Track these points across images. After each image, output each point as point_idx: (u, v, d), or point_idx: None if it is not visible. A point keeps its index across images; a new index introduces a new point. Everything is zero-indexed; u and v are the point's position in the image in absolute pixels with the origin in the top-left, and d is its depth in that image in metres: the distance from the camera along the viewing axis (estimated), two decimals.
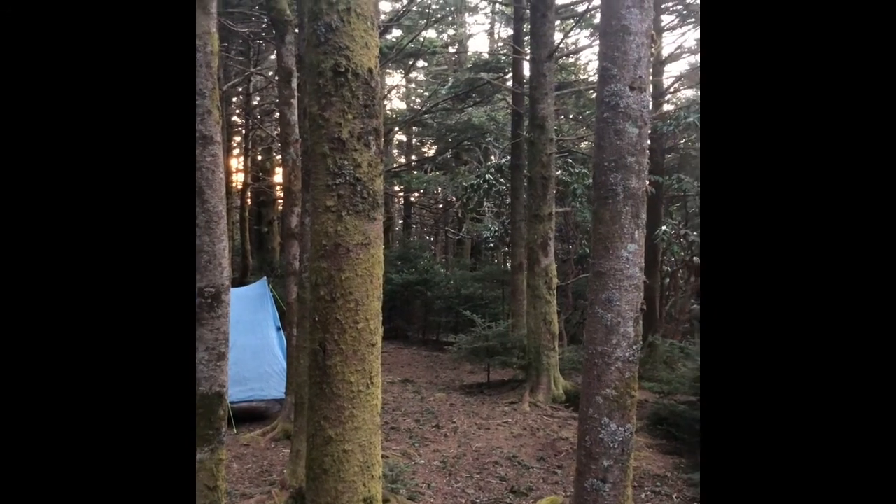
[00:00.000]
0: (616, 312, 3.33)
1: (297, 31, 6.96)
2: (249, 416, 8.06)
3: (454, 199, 21.94)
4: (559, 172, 12.68)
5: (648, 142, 3.48)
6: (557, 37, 10.60)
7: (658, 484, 6.65)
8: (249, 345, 8.24)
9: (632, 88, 3.32)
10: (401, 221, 26.42)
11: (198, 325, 3.69)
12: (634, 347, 3.37)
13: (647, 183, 3.47)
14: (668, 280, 14.91)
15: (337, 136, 3.05)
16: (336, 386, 3.13)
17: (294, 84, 6.94)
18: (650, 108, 3.58)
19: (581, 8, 13.32)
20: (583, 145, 17.52)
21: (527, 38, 12.30)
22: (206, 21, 3.68)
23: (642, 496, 6.27)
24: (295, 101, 6.94)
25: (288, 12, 7.07)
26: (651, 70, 3.51)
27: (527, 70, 12.55)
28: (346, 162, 3.06)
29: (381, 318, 3.29)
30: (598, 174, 3.42)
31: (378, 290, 3.24)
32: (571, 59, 17.66)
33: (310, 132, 3.20)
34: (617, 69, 3.33)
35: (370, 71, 3.09)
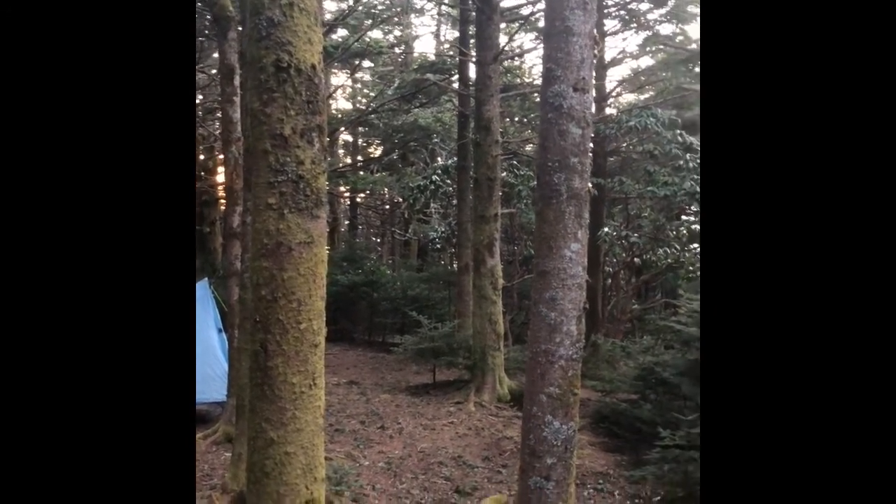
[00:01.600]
0: (559, 311, 3.36)
1: (239, 27, 6.84)
2: None
3: (401, 199, 21.89)
4: (504, 174, 12.77)
5: (591, 143, 3.51)
6: (503, 39, 10.66)
7: (600, 481, 6.74)
8: None
9: (575, 89, 3.35)
10: (346, 222, 26.22)
11: None
12: (577, 346, 3.40)
13: (590, 184, 3.52)
14: (609, 280, 15.16)
15: (279, 133, 3.00)
16: (278, 387, 3.07)
17: (236, 81, 6.82)
18: (593, 109, 3.62)
19: (526, 11, 13.43)
20: (528, 148, 17.68)
21: (472, 40, 12.36)
22: None
23: (585, 494, 6.35)
24: (237, 99, 6.82)
25: (230, 8, 6.94)
26: (594, 73, 3.55)
27: (472, 72, 12.62)
28: (288, 159, 3.02)
29: (324, 319, 3.25)
30: (542, 174, 3.44)
31: (321, 290, 3.20)
32: (516, 62, 17.81)
33: (251, 129, 3.14)
34: (560, 70, 3.36)
35: (313, 67, 3.05)
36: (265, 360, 3.08)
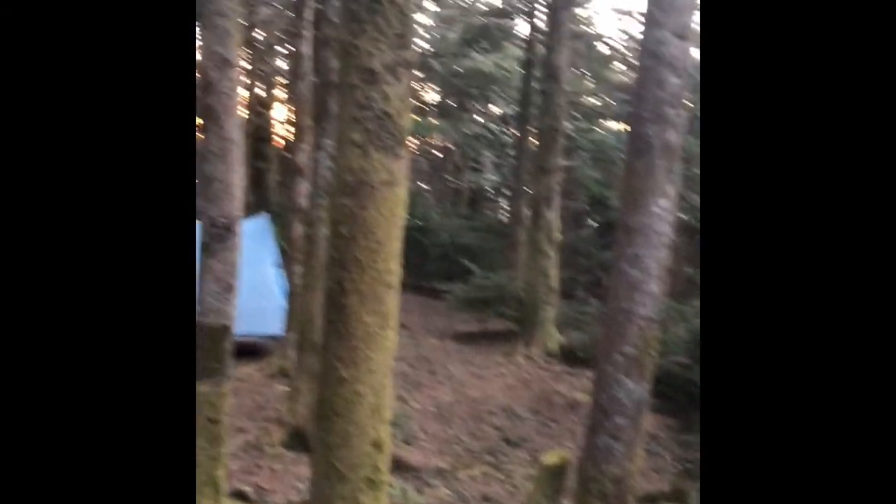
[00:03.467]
0: (642, 269, 3.25)
1: None
2: (245, 351, 8.00)
3: (453, 146, 21.67)
4: (567, 126, 12.49)
5: (688, 94, 3.34)
6: None
7: (651, 443, 6.69)
8: (247, 280, 8.11)
9: (677, 36, 3.17)
10: None
11: (208, 255, 3.58)
12: (659, 306, 3.30)
13: None
14: None
15: (368, 67, 2.89)
16: (352, 326, 3.04)
17: (309, 16, 6.69)
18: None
19: None
20: (589, 99, 17.25)
21: None
22: None
23: None
24: (309, 34, 6.70)
25: None
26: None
27: (541, 19, 12.26)
28: (375, 94, 2.91)
29: (400, 261, 3.19)
30: (635, 125, 3.29)
31: (399, 232, 3.13)
32: (584, 11, 17.26)
33: (339, 61, 3.04)
34: (663, 14, 3.18)
35: None
36: (340, 297, 3.04)
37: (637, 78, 3.30)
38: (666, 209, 3.24)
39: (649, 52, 3.21)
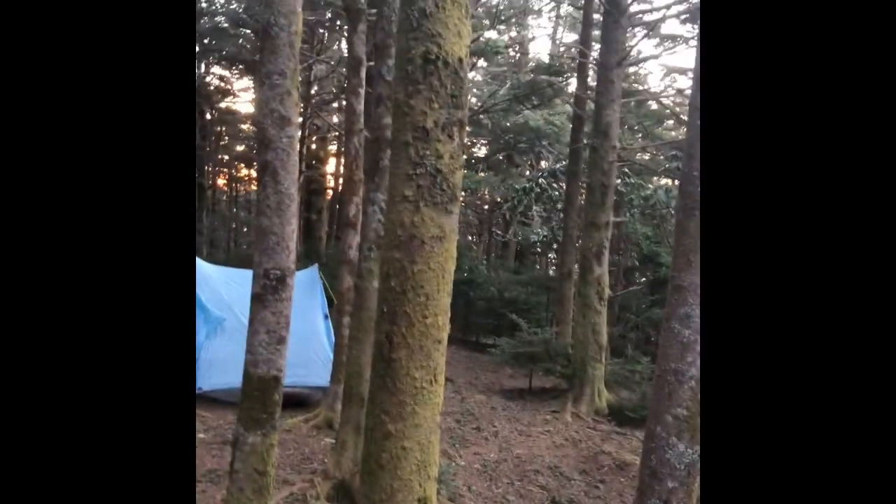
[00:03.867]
0: (693, 329, 3.19)
1: (369, 18, 6.93)
2: (291, 401, 8.04)
3: (501, 200, 21.78)
4: (616, 182, 12.48)
5: None
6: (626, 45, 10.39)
7: None
8: (296, 330, 8.17)
9: None
10: None
11: (261, 306, 3.65)
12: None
13: None
14: None
15: (421, 126, 2.97)
16: (400, 380, 3.05)
17: (363, 73, 6.90)
18: None
19: (649, 17, 13.06)
20: (639, 156, 17.23)
21: (594, 43, 12.12)
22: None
23: None
24: (362, 91, 6.90)
25: (362, 0, 7.04)
26: None
27: (591, 76, 12.39)
28: (428, 152, 2.98)
29: (448, 315, 3.21)
30: (685, 184, 3.28)
31: (448, 286, 3.16)
32: (634, 69, 17.39)
33: (393, 120, 3.12)
34: None
35: (460, 60, 3.01)
36: (389, 351, 3.06)
37: (688, 137, 3.30)
38: None
39: (699, 112, 3.22)
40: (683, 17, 11.50)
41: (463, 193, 25.18)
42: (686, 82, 16.08)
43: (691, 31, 13.06)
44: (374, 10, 6.43)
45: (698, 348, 3.20)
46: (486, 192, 25.04)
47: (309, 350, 8.22)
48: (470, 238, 29.78)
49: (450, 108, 3.00)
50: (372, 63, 6.17)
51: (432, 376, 3.11)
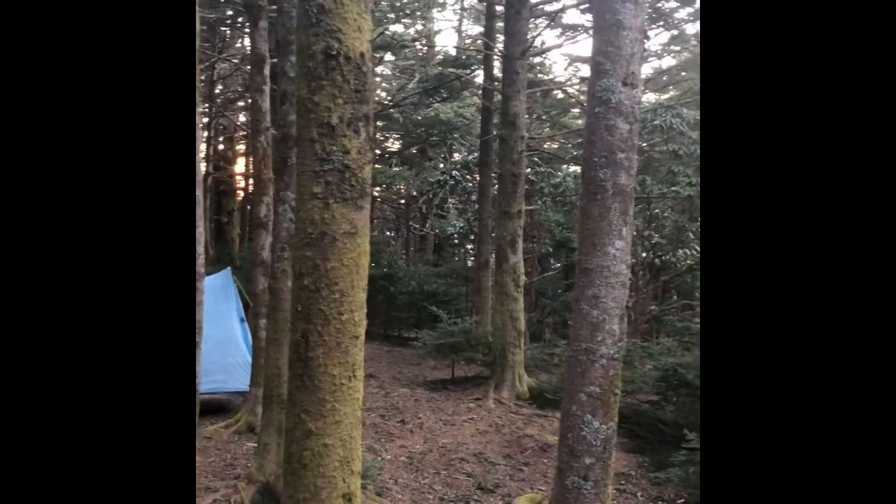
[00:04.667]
0: (602, 309, 3.32)
1: (271, 15, 6.82)
2: (211, 408, 7.87)
3: (417, 194, 21.85)
4: (527, 171, 12.70)
5: (637, 139, 3.46)
6: (529, 36, 10.58)
7: (622, 482, 6.69)
8: (212, 336, 8.03)
9: (624, 84, 3.30)
10: None
11: None
12: (619, 345, 3.36)
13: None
14: (629, 280, 15.04)
15: (326, 122, 2.96)
16: (318, 378, 3.04)
17: (267, 71, 6.79)
18: (640, 104, 3.56)
19: (550, 7, 13.34)
20: (547, 145, 17.60)
21: (498, 35, 12.29)
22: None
23: None
24: (267, 89, 6.79)
25: None
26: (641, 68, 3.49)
27: (497, 67, 12.56)
28: (334, 148, 2.97)
29: (365, 311, 3.21)
30: (588, 169, 3.39)
31: (363, 281, 3.16)
32: (539, 59, 17.72)
33: (297, 117, 3.10)
34: (610, 64, 3.31)
35: (362, 55, 3.01)
36: (306, 350, 3.04)
37: (587, 124, 3.42)
38: (622, 250, 3.33)
39: (598, 100, 3.33)
40: (583, 6, 11.79)
41: (378, 189, 25.09)
42: (588, 71, 16.50)
43: (591, 20, 13.38)
44: (274, 7, 6.33)
45: (607, 327, 3.32)
46: (402, 187, 25.04)
47: (227, 355, 8.05)
48: (388, 233, 29.73)
49: (354, 103, 3.00)
50: (275, 60, 6.07)
51: (351, 372, 3.11)
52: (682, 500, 6.14)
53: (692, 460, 5.90)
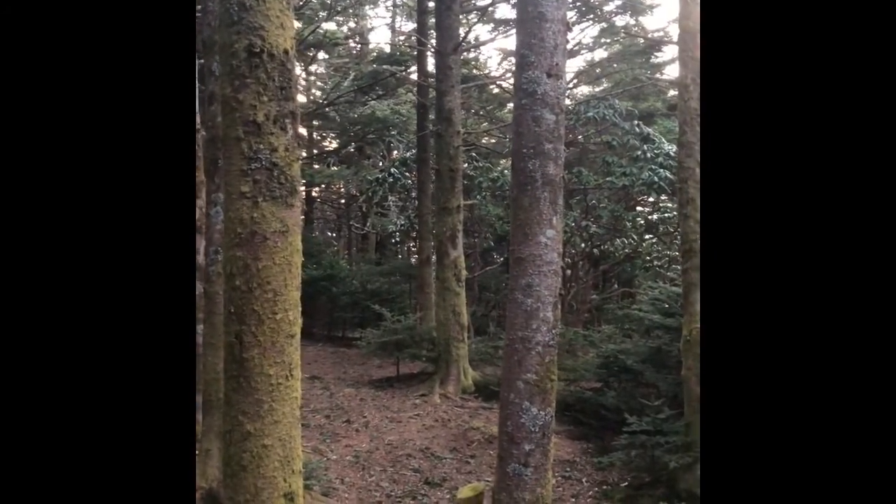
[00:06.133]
0: (536, 297, 3.37)
1: (198, 14, 6.67)
2: None
3: (357, 193, 21.73)
4: (465, 166, 12.77)
5: (564, 129, 3.52)
6: (461, 31, 10.65)
7: (568, 469, 6.81)
8: None
9: (549, 75, 3.35)
10: (302, 217, 25.89)
11: None
12: (554, 332, 3.42)
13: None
14: (569, 271, 15.28)
15: (252, 120, 2.93)
16: (254, 379, 3.01)
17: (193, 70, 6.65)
18: (566, 95, 3.63)
19: (482, 2, 13.44)
20: (485, 140, 17.72)
21: (430, 31, 12.32)
22: None
23: (553, 482, 6.40)
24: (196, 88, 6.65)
25: None
26: (565, 60, 3.56)
27: (431, 63, 12.58)
28: (261, 146, 2.95)
29: (300, 309, 3.19)
30: (517, 161, 3.44)
31: (297, 280, 3.14)
32: (473, 54, 17.82)
33: (222, 116, 3.06)
34: (534, 56, 3.36)
35: (286, 52, 2.99)
36: (241, 351, 3.01)
37: (514, 116, 3.46)
38: (553, 239, 3.39)
39: (524, 92, 3.38)
40: (513, 1, 11.91)
41: (317, 189, 24.79)
42: None
43: None
44: (199, 7, 6.21)
45: (541, 315, 3.38)
46: (341, 186, 24.87)
47: None
48: (329, 234, 29.48)
49: (280, 100, 2.98)
50: (202, 60, 5.96)
51: (288, 371, 3.09)
52: (626, 484, 6.29)
53: (633, 443, 6.05)
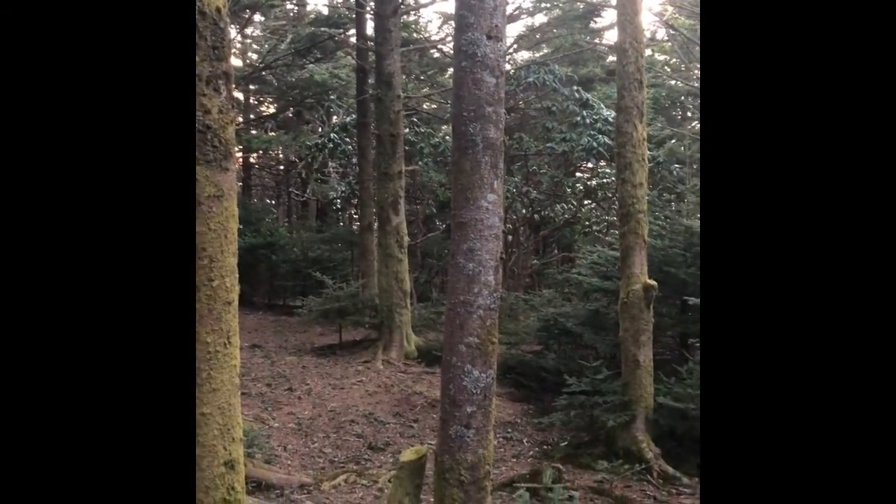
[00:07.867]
0: (477, 262, 3.37)
1: None
2: None
3: (297, 159, 21.36)
4: (406, 131, 12.66)
5: (504, 92, 3.51)
6: None
7: (509, 430, 6.93)
8: None
9: (489, 37, 3.32)
10: (240, 184, 25.40)
11: None
12: (495, 295, 3.44)
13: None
14: (510, 237, 15.40)
15: None
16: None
17: None
18: (506, 60, 3.60)
19: None
20: (426, 105, 17.59)
21: None
22: None
23: (495, 443, 6.51)
24: None
25: None
26: (505, 21, 3.53)
27: (370, 26, 12.36)
28: (194, 108, 2.85)
29: (237, 276, 3.13)
30: (458, 124, 3.41)
31: (233, 246, 3.08)
32: (413, 17, 17.58)
33: None
34: (474, 17, 3.32)
35: (218, 10, 2.89)
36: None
37: (455, 78, 3.43)
38: (494, 203, 3.39)
39: (464, 54, 3.34)
40: None
41: (255, 155, 24.28)
42: None
43: None
44: None
45: (483, 279, 3.39)
46: (280, 152, 24.42)
47: None
48: (268, 201, 28.98)
49: (212, 60, 2.89)
50: None
51: (225, 339, 3.04)
52: (565, 443, 6.44)
53: (573, 404, 6.18)
